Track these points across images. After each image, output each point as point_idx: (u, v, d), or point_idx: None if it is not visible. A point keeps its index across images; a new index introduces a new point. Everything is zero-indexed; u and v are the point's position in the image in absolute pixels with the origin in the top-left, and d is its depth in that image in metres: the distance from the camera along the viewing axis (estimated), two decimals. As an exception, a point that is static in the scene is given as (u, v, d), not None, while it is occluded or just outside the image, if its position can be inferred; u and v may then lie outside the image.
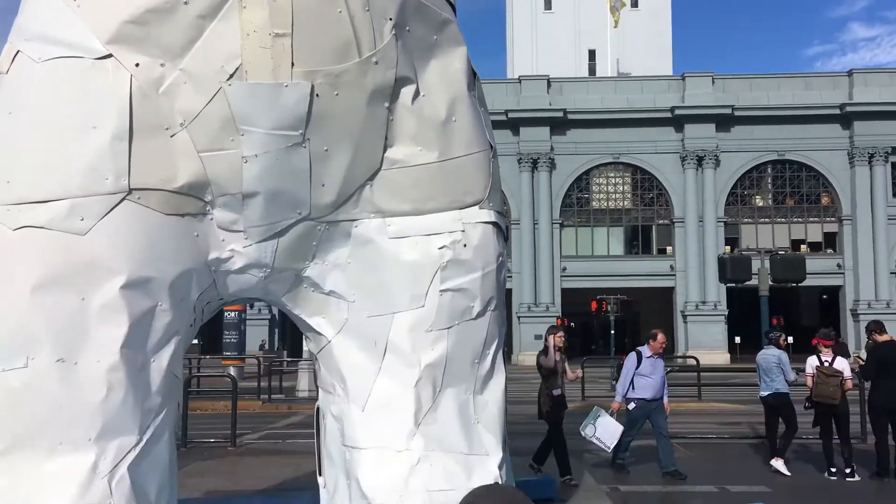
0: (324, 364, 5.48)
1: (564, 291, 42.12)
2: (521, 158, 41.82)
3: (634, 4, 56.66)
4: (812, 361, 9.98)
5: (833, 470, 9.64)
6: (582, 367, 12.42)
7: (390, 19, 4.70)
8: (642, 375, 9.88)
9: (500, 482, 5.13)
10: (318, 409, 5.84)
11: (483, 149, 5.30)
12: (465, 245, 5.10)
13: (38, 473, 3.93)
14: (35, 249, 4.13)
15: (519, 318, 40.97)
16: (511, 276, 38.04)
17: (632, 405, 9.90)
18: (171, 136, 4.39)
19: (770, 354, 10.39)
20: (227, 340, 26.69)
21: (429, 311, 5.03)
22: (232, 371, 19.95)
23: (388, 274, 5.04)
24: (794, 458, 10.61)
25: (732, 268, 17.56)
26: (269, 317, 41.82)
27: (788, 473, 9.83)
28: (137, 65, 4.30)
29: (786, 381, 10.19)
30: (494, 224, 5.33)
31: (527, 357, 38.40)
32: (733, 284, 20.72)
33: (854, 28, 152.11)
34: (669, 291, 42.83)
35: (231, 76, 4.36)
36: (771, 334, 10.82)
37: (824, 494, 8.89)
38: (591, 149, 42.44)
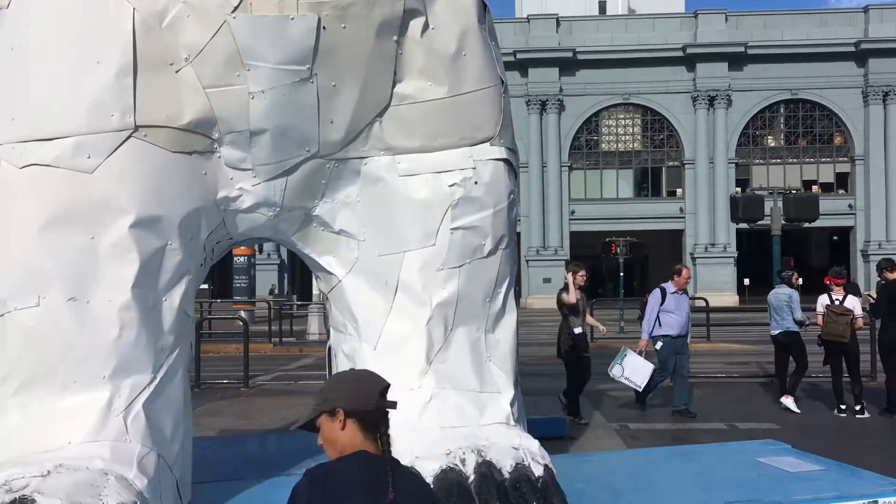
0: (335, 304, 5.47)
1: (573, 234, 42.05)
2: (529, 100, 41.34)
3: (646, -60, 55.25)
4: (823, 300, 9.96)
5: (843, 407, 9.68)
6: (591, 309, 12.39)
7: (397, -51, 4.56)
8: (667, 312, 9.78)
9: (511, 421, 5.15)
10: (329, 348, 5.85)
11: (494, 84, 5.19)
12: (476, 182, 5.03)
13: (52, 411, 3.95)
14: (42, 188, 4.08)
15: (528, 261, 40.99)
16: (520, 220, 38.01)
17: (659, 344, 9.78)
18: (177, 72, 4.31)
19: (781, 293, 10.36)
20: (238, 285, 26.86)
21: (440, 250, 4.99)
22: (243, 314, 20.10)
23: (399, 212, 4.99)
24: (803, 396, 10.67)
25: (745, 207, 17.36)
26: (278, 261, 41.95)
27: (798, 411, 9.88)
28: (139, -3, 4.20)
29: (793, 319, 10.16)
30: (506, 161, 5.25)
31: (535, 300, 38.57)
32: (744, 225, 20.57)
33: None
34: (679, 234, 42.70)
35: (235, 8, 4.25)
36: (784, 273, 10.78)
37: (834, 432, 8.94)
38: (600, 89, 41.89)
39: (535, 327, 22.48)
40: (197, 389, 11.56)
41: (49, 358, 4.00)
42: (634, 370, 9.22)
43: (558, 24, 42.57)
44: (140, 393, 4.12)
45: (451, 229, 4.97)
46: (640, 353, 9.48)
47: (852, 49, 40.89)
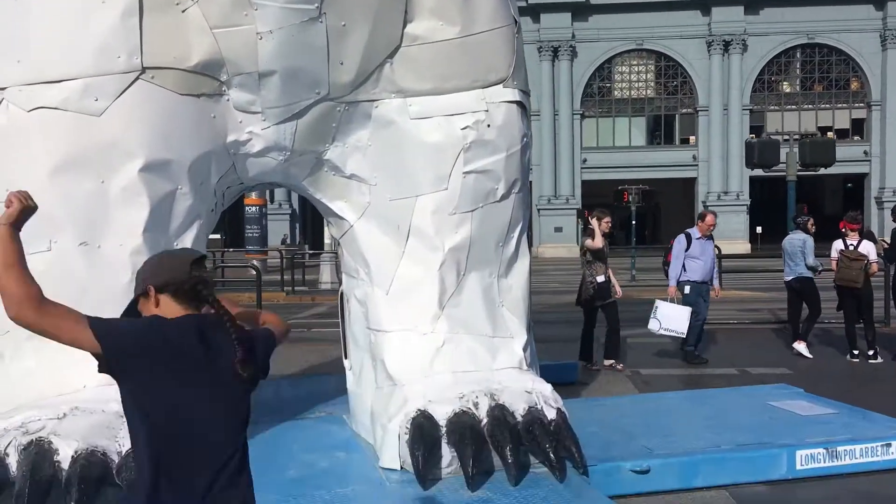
0: (347, 249, 5.45)
1: (585, 183, 41.77)
2: (541, 47, 40.72)
3: None
4: (837, 245, 9.87)
5: (856, 353, 9.66)
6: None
7: None
8: (692, 258, 9.67)
9: (524, 365, 5.16)
10: (342, 293, 5.85)
11: (507, 24, 5.09)
12: (488, 125, 4.96)
13: (64, 355, 3.95)
14: (51, 132, 4.05)
15: (539, 210, 40.83)
16: (531, 169, 37.80)
17: (687, 289, 9.61)
18: (183, 12, 4.23)
19: (796, 239, 10.26)
20: (250, 235, 26.86)
21: (452, 194, 4.94)
22: (255, 263, 20.14)
23: (410, 156, 4.93)
24: (816, 341, 10.64)
25: (760, 151, 17.13)
26: (289, 211, 41.97)
27: (810, 356, 9.87)
28: (142, -66, 4.10)
29: (805, 265, 10.06)
30: (519, 103, 5.17)
31: (546, 249, 38.54)
32: (758, 172, 20.36)
33: None
34: (691, 182, 42.37)
35: (242, -54, 4.15)
36: (799, 219, 10.65)
37: (846, 377, 8.93)
38: (613, 35, 41.19)
39: (547, 276, 22.51)
40: (211, 337, 11.64)
41: (62, 302, 3.99)
42: (670, 319, 9.09)
43: (571, -32, 41.69)
44: (154, 337, 4.12)
45: (464, 173, 4.92)
46: (670, 301, 9.39)
47: (872, -10, 39.97)
